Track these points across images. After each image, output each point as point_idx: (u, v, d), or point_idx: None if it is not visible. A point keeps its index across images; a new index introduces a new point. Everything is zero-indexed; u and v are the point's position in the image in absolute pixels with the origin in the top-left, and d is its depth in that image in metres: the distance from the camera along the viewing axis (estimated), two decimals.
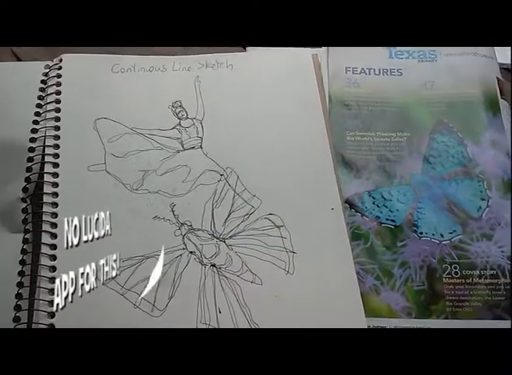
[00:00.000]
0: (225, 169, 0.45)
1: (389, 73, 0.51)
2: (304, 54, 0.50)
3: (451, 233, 0.44)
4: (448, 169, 0.47)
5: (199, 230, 0.42)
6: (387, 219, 0.45)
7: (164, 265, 0.41)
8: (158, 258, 0.41)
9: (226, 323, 0.39)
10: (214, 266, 0.41)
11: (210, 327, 0.39)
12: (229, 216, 0.43)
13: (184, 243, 0.42)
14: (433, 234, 0.44)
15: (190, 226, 0.42)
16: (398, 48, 0.52)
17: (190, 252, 0.41)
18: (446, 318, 0.40)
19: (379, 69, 0.51)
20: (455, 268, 0.43)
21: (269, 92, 0.48)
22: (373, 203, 0.45)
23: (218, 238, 0.42)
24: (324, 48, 0.51)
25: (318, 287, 0.41)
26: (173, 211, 0.43)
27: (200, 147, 0.45)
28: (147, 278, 0.40)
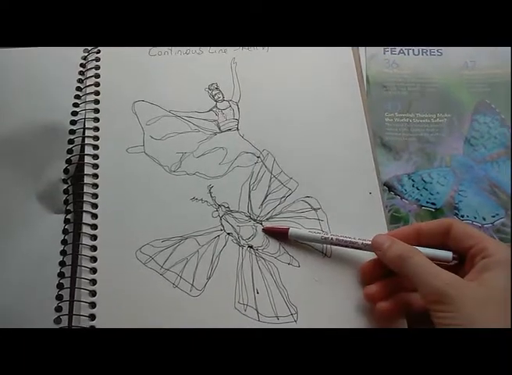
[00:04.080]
0: (262, 152, 0.44)
1: (428, 53, 0.50)
2: None
3: (494, 216, 0.43)
4: (490, 151, 0.46)
5: (236, 211, 0.42)
6: (427, 202, 0.44)
7: (202, 245, 0.41)
8: (196, 239, 0.41)
9: (264, 304, 0.39)
10: (251, 247, 0.41)
11: (248, 307, 0.39)
12: (265, 198, 0.43)
13: (222, 224, 0.42)
14: (475, 217, 0.43)
15: (228, 207, 0.42)
16: None
17: (228, 234, 0.42)
18: None
19: (418, 50, 0.50)
20: None
21: (306, 74, 0.47)
22: (413, 186, 0.44)
23: (255, 220, 0.42)
24: None
25: (355, 271, 0.40)
26: (211, 193, 0.43)
27: (237, 129, 0.45)
28: (186, 258, 0.40)
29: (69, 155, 0.44)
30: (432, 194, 0.44)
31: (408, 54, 0.50)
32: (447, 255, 0.37)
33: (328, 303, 0.39)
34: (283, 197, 0.43)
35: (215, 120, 0.46)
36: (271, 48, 0.48)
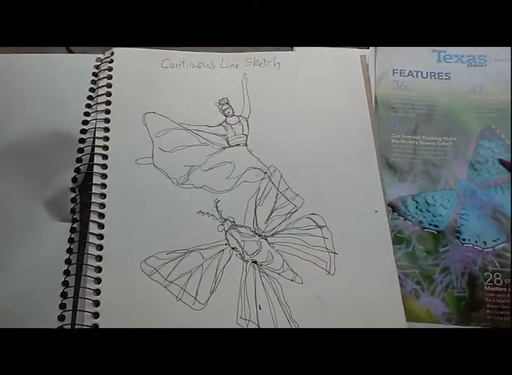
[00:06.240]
0: (269, 168, 0.45)
1: (437, 76, 0.50)
2: (352, 54, 0.50)
3: (495, 240, 0.44)
4: (494, 176, 0.46)
5: (241, 226, 0.43)
6: (430, 224, 0.44)
7: (206, 259, 0.41)
8: (200, 253, 0.41)
9: (266, 320, 0.39)
10: (255, 262, 0.42)
11: (250, 323, 0.39)
12: (271, 213, 0.43)
13: (227, 238, 0.42)
14: (476, 241, 0.44)
15: (233, 222, 0.43)
16: (447, 52, 0.51)
17: (232, 248, 0.42)
18: (487, 326, 0.40)
19: (427, 73, 0.50)
20: (497, 276, 0.42)
21: (316, 92, 0.48)
22: (416, 207, 0.45)
23: (259, 235, 0.43)
24: (372, 49, 0.51)
25: (358, 289, 0.41)
26: (217, 206, 0.43)
27: (245, 144, 0.46)
28: (190, 271, 0.41)
29: (78, 164, 0.44)
30: (434, 217, 0.45)
31: (417, 76, 0.50)
32: None
33: (329, 321, 0.40)
34: (289, 213, 0.43)
35: (224, 135, 0.46)
36: (282, 66, 0.49)
